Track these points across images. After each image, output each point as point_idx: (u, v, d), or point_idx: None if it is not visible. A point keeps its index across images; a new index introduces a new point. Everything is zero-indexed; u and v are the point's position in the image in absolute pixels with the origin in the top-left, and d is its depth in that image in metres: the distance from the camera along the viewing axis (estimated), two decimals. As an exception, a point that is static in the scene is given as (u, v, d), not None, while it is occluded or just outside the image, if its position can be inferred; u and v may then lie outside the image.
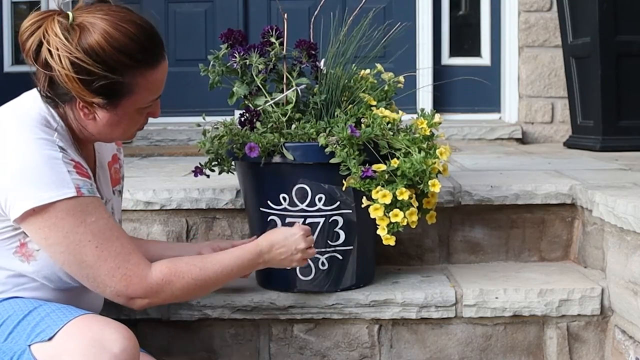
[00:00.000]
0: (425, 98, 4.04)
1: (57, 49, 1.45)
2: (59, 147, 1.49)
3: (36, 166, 1.45)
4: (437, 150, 1.82)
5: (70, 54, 1.45)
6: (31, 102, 1.55)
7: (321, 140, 1.80)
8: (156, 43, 1.55)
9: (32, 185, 1.44)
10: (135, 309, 1.59)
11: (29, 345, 1.41)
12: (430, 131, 1.87)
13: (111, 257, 1.50)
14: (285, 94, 1.91)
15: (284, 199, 1.86)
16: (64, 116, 1.55)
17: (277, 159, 1.83)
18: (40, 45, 1.47)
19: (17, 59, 4.35)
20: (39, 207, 1.44)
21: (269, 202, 1.88)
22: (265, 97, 1.92)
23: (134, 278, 1.52)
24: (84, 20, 1.48)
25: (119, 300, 1.54)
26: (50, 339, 1.41)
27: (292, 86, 1.91)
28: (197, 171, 1.94)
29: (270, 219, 1.88)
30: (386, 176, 1.78)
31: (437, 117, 1.90)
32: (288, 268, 1.80)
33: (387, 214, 1.77)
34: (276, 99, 1.90)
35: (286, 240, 1.75)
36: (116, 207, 1.76)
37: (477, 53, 4.24)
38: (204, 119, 1.95)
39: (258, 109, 1.87)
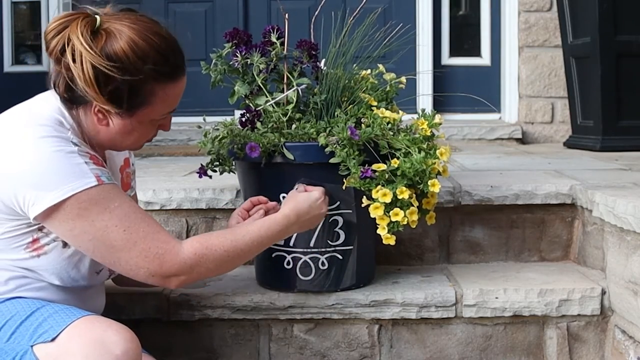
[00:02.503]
0: (425, 98, 4.04)
1: (81, 53, 1.46)
2: (73, 143, 1.49)
3: (53, 163, 1.45)
4: (437, 151, 1.82)
5: (93, 58, 1.46)
6: (45, 103, 1.55)
7: (321, 140, 1.80)
8: (179, 58, 1.57)
9: (51, 182, 1.44)
10: (172, 288, 1.58)
11: (32, 346, 1.41)
12: (431, 131, 1.87)
13: (140, 238, 1.50)
14: (285, 93, 1.91)
15: (284, 198, 1.86)
16: (78, 119, 1.56)
17: (277, 158, 1.83)
18: (64, 46, 1.48)
19: (17, 59, 4.35)
20: (62, 201, 1.44)
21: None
22: (266, 96, 1.92)
23: (167, 255, 1.52)
24: (111, 26, 1.50)
25: (154, 280, 1.54)
26: (53, 339, 1.41)
27: (293, 86, 1.91)
28: (201, 172, 1.94)
29: (271, 219, 1.88)
30: (386, 176, 1.78)
31: (438, 118, 1.90)
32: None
33: (387, 213, 1.77)
34: (277, 99, 1.90)
35: (310, 208, 1.76)
36: None
37: (477, 53, 4.24)
38: (204, 120, 1.95)
39: (259, 108, 1.87)
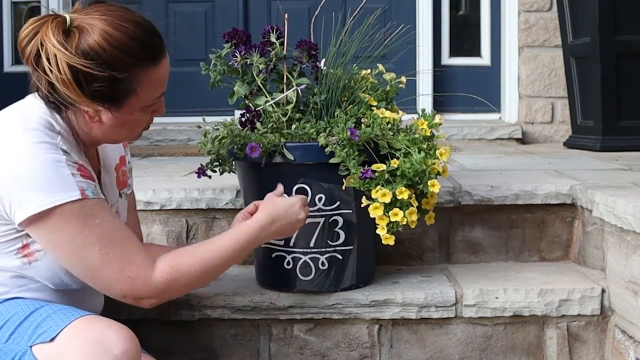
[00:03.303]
0: (425, 98, 4.04)
1: (55, 55, 1.44)
2: (62, 150, 1.48)
3: (39, 170, 1.44)
4: (437, 151, 1.82)
5: (69, 58, 1.44)
6: (35, 105, 1.53)
7: (321, 140, 1.80)
8: (156, 40, 1.55)
9: (35, 189, 1.43)
10: (145, 307, 1.58)
11: (31, 347, 1.41)
12: (431, 132, 1.87)
13: (116, 259, 1.49)
14: (285, 94, 1.91)
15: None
16: (68, 120, 1.54)
17: (277, 159, 1.83)
18: (38, 51, 1.46)
19: (17, 59, 4.35)
20: (44, 211, 1.43)
21: (269, 202, 1.88)
22: (266, 97, 1.92)
23: (138, 280, 1.51)
24: (82, 22, 1.47)
25: (127, 301, 1.54)
26: (52, 340, 1.40)
27: (293, 86, 1.91)
28: (200, 172, 1.94)
29: (271, 219, 1.88)
30: (386, 176, 1.78)
31: (438, 118, 1.90)
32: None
33: (386, 214, 1.77)
34: (276, 99, 1.90)
35: (287, 214, 1.72)
36: (121, 210, 1.75)
37: (477, 53, 4.24)
38: (204, 120, 1.95)
39: (258, 109, 1.87)
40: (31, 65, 1.48)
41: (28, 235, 1.49)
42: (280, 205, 1.73)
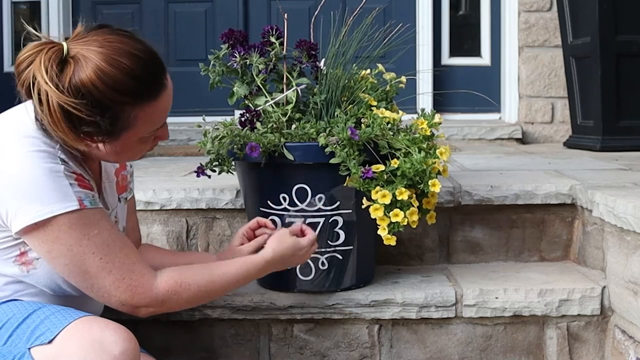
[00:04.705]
0: (425, 98, 4.04)
1: (47, 92, 1.38)
2: (61, 160, 1.46)
3: (37, 179, 1.42)
4: (437, 151, 1.82)
5: (59, 98, 1.38)
6: (33, 111, 1.48)
7: (321, 141, 1.80)
8: (155, 75, 1.47)
9: (33, 199, 1.42)
10: (141, 316, 1.57)
11: (29, 349, 1.40)
12: (431, 131, 1.87)
13: (115, 268, 1.48)
14: (285, 94, 1.91)
15: (284, 198, 1.86)
16: None
17: (277, 159, 1.83)
18: (30, 85, 1.40)
19: (17, 59, 4.35)
20: (41, 222, 1.42)
21: (269, 202, 1.88)
22: (266, 97, 1.92)
23: (140, 288, 1.51)
24: (78, 52, 1.41)
25: (124, 309, 1.53)
26: (50, 341, 1.40)
27: (292, 86, 1.91)
28: (199, 171, 1.94)
29: (271, 219, 1.88)
30: (385, 176, 1.78)
31: (437, 118, 1.90)
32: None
33: (387, 214, 1.77)
34: (276, 99, 1.90)
35: (294, 256, 1.75)
36: (120, 215, 1.73)
37: (477, 53, 4.24)
38: (204, 120, 1.95)
39: (258, 109, 1.87)
40: (25, 92, 1.43)
41: (26, 243, 1.48)
42: (289, 247, 1.73)
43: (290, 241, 1.74)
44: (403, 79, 2.03)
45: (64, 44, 1.42)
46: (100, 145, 1.49)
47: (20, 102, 1.53)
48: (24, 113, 1.49)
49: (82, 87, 1.39)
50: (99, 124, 1.42)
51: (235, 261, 1.68)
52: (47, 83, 1.38)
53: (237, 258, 1.70)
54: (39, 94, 1.39)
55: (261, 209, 1.90)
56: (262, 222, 1.86)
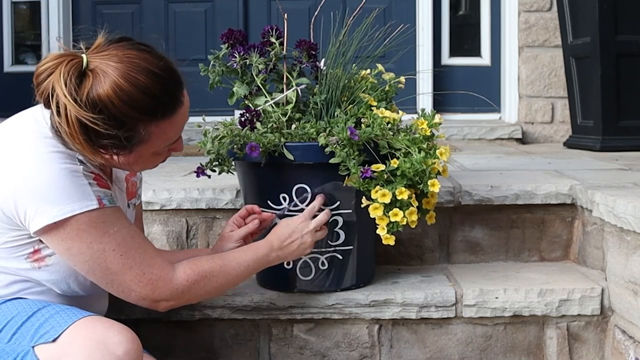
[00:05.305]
0: (425, 98, 4.04)
1: (65, 106, 1.39)
2: (79, 160, 1.47)
3: (57, 179, 1.43)
4: (437, 151, 1.82)
5: (78, 112, 1.39)
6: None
7: (321, 140, 1.80)
8: (172, 92, 1.48)
9: (53, 199, 1.43)
10: (160, 311, 1.59)
11: (33, 347, 1.41)
12: (431, 131, 1.87)
13: (136, 264, 1.51)
14: (285, 94, 1.91)
15: (284, 198, 1.86)
16: None
17: (277, 159, 1.83)
18: (49, 97, 1.41)
19: (17, 59, 4.36)
20: (59, 221, 1.43)
21: (269, 201, 1.88)
22: (266, 97, 1.92)
23: (160, 281, 1.53)
24: (97, 66, 1.41)
25: (144, 303, 1.55)
26: (54, 340, 1.40)
27: (292, 86, 1.91)
28: (199, 171, 1.94)
29: (271, 219, 1.88)
30: (385, 176, 1.78)
31: (438, 118, 1.90)
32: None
33: (386, 214, 1.77)
34: (276, 99, 1.90)
35: (292, 232, 1.76)
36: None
37: (477, 53, 4.24)
38: (204, 119, 1.95)
39: (258, 109, 1.87)
40: (44, 102, 1.44)
41: (40, 241, 1.49)
42: (285, 226, 1.77)
43: (286, 223, 1.78)
44: (402, 79, 2.03)
45: (84, 56, 1.43)
46: (115, 157, 1.50)
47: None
48: (39, 115, 1.49)
49: (99, 102, 1.40)
50: (114, 138, 1.44)
51: (243, 248, 1.72)
52: (65, 96, 1.39)
53: (242, 247, 1.74)
54: (57, 106, 1.41)
55: (261, 209, 1.89)
56: (250, 208, 1.87)
